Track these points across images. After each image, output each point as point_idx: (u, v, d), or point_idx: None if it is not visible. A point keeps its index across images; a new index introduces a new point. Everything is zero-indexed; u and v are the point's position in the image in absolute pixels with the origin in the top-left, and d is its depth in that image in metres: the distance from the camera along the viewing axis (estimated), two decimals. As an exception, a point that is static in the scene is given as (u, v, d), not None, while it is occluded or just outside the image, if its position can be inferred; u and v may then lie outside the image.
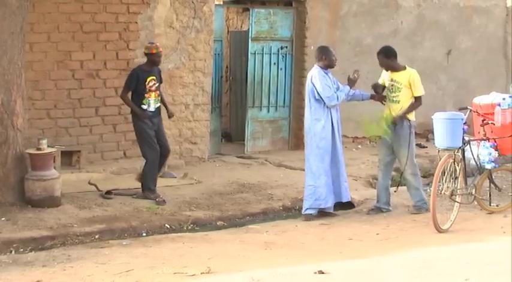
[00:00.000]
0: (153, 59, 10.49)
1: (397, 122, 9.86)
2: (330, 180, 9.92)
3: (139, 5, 12.13)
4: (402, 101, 9.93)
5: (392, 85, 10.00)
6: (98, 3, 11.72)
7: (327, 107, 9.86)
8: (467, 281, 6.40)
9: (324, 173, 9.88)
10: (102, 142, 11.91)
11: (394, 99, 9.99)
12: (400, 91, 9.94)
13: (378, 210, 10.17)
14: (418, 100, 9.99)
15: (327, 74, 9.90)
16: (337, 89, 9.91)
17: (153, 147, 10.48)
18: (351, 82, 10.08)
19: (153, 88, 10.46)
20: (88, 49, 11.69)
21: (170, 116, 10.93)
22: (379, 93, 10.16)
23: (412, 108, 9.96)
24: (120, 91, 10.69)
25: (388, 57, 10.04)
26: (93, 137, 11.82)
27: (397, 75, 10.00)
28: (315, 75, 9.85)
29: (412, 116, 9.99)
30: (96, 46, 11.76)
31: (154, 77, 10.47)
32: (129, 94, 10.48)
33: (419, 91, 9.97)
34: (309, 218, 9.85)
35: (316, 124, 9.89)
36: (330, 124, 9.92)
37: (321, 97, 9.78)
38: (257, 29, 14.06)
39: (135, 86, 10.39)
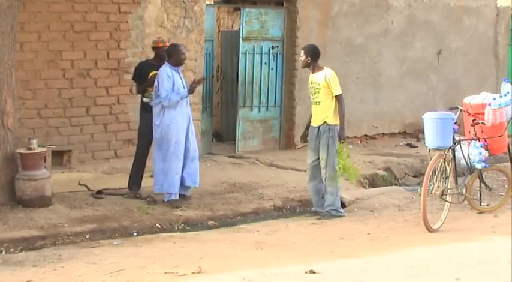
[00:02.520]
0: (159, 53, 10.56)
1: (344, 138, 9.89)
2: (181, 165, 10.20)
3: (130, 4, 12.11)
4: (322, 102, 9.85)
5: (311, 87, 9.99)
6: (88, 2, 11.69)
7: None
8: (458, 280, 6.42)
9: (173, 159, 10.11)
10: (93, 142, 11.89)
11: (315, 100, 9.94)
12: (318, 92, 9.88)
13: (314, 213, 10.14)
14: (340, 100, 9.85)
15: (177, 71, 10.17)
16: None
17: (142, 146, 10.58)
18: (197, 84, 10.40)
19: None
20: (79, 48, 11.67)
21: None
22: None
23: (342, 112, 9.82)
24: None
25: (306, 55, 9.95)
26: (83, 137, 11.80)
27: (315, 76, 9.96)
28: (161, 72, 10.06)
29: (333, 121, 9.85)
30: (87, 45, 11.74)
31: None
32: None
33: (337, 90, 9.81)
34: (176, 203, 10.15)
35: (167, 117, 10.10)
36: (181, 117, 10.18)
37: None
38: (248, 29, 14.06)
39: (138, 79, 10.58)
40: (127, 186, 10.54)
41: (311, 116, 10.16)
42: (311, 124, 10.06)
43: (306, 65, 10.04)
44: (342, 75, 14.01)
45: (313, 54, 9.99)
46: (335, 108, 9.83)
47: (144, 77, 10.48)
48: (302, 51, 10.05)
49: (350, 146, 13.79)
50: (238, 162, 13.16)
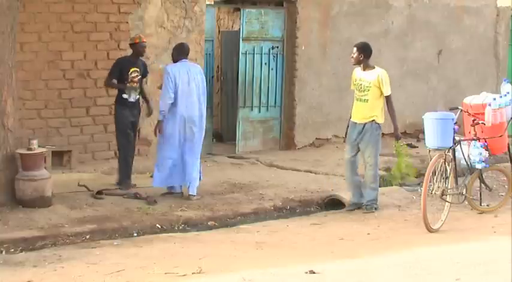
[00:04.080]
0: (136, 49, 10.71)
1: (400, 138, 10.36)
2: None
3: (130, 5, 12.12)
4: (371, 100, 9.96)
5: (360, 84, 10.04)
6: (88, 3, 11.71)
7: None
8: (458, 280, 6.42)
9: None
10: (93, 142, 11.90)
11: (363, 98, 10.02)
12: (368, 90, 9.97)
13: (355, 206, 10.23)
14: (390, 100, 10.07)
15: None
16: None
17: (127, 137, 10.70)
18: None
19: (136, 79, 10.72)
20: (79, 49, 11.68)
21: (148, 114, 11.19)
22: None
23: (393, 112, 10.10)
24: (114, 91, 10.84)
25: (359, 52, 10.05)
26: (84, 137, 11.81)
27: (366, 74, 10.03)
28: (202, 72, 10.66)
29: (380, 119, 10.04)
30: (87, 46, 11.75)
31: (137, 69, 10.71)
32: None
33: (388, 90, 10.01)
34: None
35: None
36: None
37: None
38: (248, 29, 14.06)
39: (118, 75, 10.63)
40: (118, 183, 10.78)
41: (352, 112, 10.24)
42: (353, 120, 10.13)
43: (358, 62, 10.12)
44: (342, 75, 14.04)
45: (366, 52, 10.07)
46: (382, 107, 9.98)
47: (125, 73, 10.60)
48: (355, 48, 10.13)
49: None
50: (239, 163, 13.16)
